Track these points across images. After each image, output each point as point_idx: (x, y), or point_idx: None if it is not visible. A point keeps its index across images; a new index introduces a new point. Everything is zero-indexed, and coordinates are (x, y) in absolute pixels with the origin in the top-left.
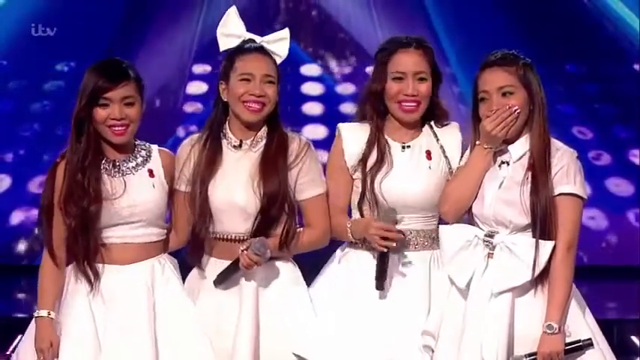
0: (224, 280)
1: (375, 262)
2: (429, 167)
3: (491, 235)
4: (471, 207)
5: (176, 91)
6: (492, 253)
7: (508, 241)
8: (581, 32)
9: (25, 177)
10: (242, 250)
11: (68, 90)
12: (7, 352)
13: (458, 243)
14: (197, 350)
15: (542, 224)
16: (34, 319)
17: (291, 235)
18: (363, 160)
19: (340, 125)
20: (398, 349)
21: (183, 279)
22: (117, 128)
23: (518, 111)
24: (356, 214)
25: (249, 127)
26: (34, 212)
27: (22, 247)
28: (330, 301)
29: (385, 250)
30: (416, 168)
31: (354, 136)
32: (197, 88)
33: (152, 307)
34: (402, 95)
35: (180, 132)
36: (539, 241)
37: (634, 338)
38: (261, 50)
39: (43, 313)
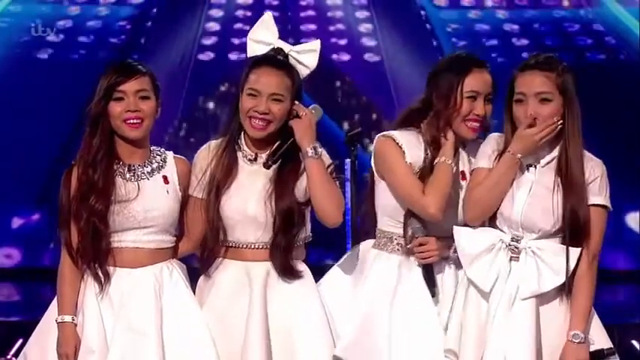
0: (276, 158)
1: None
2: (462, 188)
3: (517, 239)
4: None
5: (177, 92)
6: (515, 257)
7: (534, 246)
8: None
9: (26, 179)
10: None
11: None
12: (8, 357)
13: (479, 246)
14: (203, 353)
15: (577, 232)
16: (43, 323)
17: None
18: (424, 169)
19: (392, 134)
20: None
21: (192, 284)
22: (132, 121)
23: (561, 123)
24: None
25: (260, 141)
26: (34, 216)
27: (21, 251)
28: (374, 308)
29: (428, 262)
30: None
31: (410, 144)
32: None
33: (159, 310)
34: (473, 114)
35: (182, 133)
36: (572, 248)
37: (634, 343)
38: (279, 64)
39: (68, 318)
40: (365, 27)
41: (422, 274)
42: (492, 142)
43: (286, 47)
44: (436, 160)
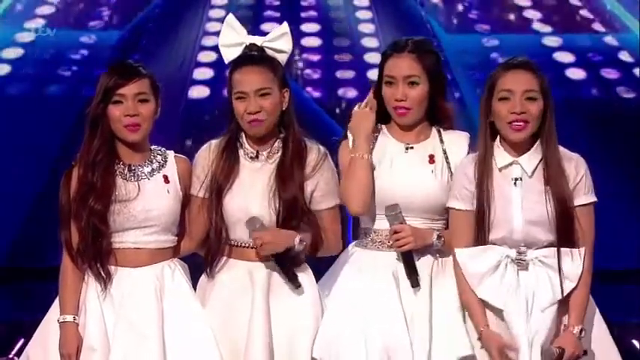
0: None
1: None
2: (432, 171)
3: (523, 252)
4: (485, 232)
5: (178, 95)
6: (522, 268)
7: (540, 256)
8: None
9: (24, 181)
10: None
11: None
12: (10, 356)
13: (484, 265)
14: (206, 354)
15: (568, 235)
16: (45, 322)
17: (319, 241)
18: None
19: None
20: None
21: (194, 283)
22: (131, 125)
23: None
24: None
25: (261, 138)
26: (34, 216)
27: (23, 249)
28: (338, 302)
29: (404, 249)
30: (417, 170)
31: None
32: (200, 92)
33: (161, 310)
34: (394, 100)
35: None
36: (573, 250)
37: (635, 342)
38: (255, 60)
39: (69, 318)
40: (367, 27)
41: (402, 264)
42: (466, 171)
43: (258, 40)
44: (351, 155)
